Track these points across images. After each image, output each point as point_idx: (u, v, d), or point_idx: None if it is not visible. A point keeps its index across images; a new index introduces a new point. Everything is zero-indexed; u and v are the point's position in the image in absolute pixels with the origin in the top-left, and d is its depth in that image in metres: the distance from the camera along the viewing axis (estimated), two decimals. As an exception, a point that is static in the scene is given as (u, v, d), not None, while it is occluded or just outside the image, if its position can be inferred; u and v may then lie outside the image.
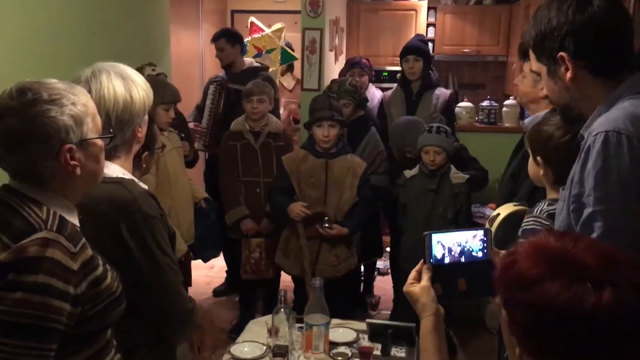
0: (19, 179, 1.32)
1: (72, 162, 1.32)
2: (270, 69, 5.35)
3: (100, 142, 1.40)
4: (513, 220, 2.10)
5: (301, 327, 2.35)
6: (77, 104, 1.33)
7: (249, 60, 4.52)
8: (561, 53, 1.38)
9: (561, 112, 1.56)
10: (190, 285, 3.89)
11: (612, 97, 1.38)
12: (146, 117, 1.73)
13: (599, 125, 1.33)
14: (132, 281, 1.53)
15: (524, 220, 1.87)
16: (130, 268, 1.55)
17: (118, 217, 1.56)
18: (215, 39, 4.37)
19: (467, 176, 3.41)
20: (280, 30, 5.51)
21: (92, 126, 1.37)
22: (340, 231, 3.31)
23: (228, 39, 4.31)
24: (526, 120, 2.41)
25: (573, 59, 1.38)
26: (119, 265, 1.47)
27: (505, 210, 2.06)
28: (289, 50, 5.32)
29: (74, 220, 1.37)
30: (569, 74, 1.40)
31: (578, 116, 1.47)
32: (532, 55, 1.49)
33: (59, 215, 1.30)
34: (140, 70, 3.53)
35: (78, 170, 1.33)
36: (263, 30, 5.43)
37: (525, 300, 0.93)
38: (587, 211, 1.32)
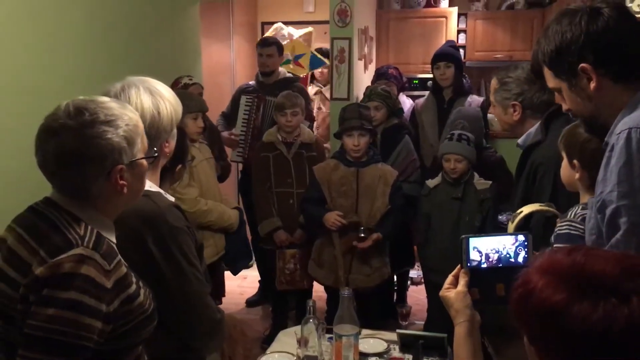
0: (64, 194, 1.34)
1: (121, 182, 1.35)
2: (301, 75, 5.41)
3: (145, 161, 1.43)
4: (536, 217, 2.07)
5: (331, 338, 2.34)
6: (130, 125, 1.36)
7: (282, 70, 4.56)
8: (582, 64, 1.38)
9: (585, 123, 1.54)
10: (224, 296, 3.92)
11: (634, 101, 1.37)
12: (174, 131, 1.75)
13: (622, 124, 1.33)
14: (159, 292, 1.54)
15: (558, 225, 1.84)
16: (157, 279, 1.57)
17: (144, 230, 1.58)
18: (268, 44, 4.41)
19: (490, 182, 3.37)
20: (308, 34, 5.54)
21: (141, 146, 1.40)
22: (377, 237, 3.29)
23: (278, 48, 4.45)
24: (520, 141, 2.38)
25: (595, 69, 1.38)
26: (146, 276, 1.48)
27: (528, 208, 2.03)
28: (319, 55, 5.33)
29: (112, 237, 1.40)
30: (592, 84, 1.40)
31: (602, 125, 1.47)
32: (548, 73, 1.48)
33: (96, 232, 1.33)
34: (177, 80, 3.67)
35: (125, 190, 1.36)
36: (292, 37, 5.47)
37: (556, 330, 0.90)
38: (611, 208, 1.31)
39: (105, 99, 1.39)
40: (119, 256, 1.36)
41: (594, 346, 0.87)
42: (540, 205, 2.03)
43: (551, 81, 1.49)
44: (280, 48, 4.48)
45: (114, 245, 1.38)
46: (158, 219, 1.60)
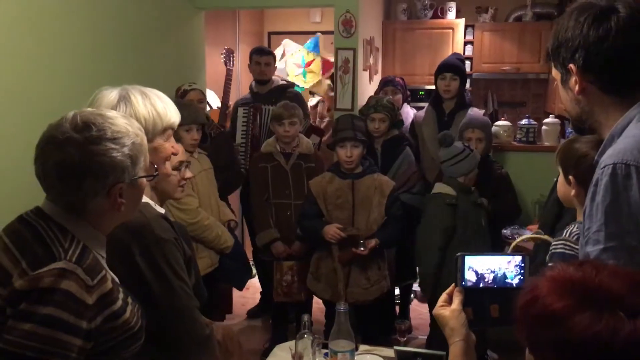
0: (58, 205, 1.31)
1: (120, 200, 1.33)
2: (316, 80, 5.51)
3: (145, 180, 1.41)
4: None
5: (327, 353, 2.30)
6: (136, 143, 1.34)
7: (275, 78, 4.61)
8: (570, 65, 1.32)
9: (572, 123, 1.49)
10: (230, 312, 3.88)
11: (625, 120, 1.30)
12: (151, 145, 1.67)
13: (608, 157, 1.26)
14: (146, 306, 1.50)
15: (553, 243, 1.79)
16: (143, 293, 1.54)
17: (130, 241, 1.55)
18: (266, 53, 4.48)
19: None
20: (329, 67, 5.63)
21: (143, 165, 1.38)
22: (375, 243, 3.23)
23: (274, 58, 4.55)
24: None
25: (581, 73, 1.32)
26: (132, 290, 1.45)
27: (518, 240, 2.01)
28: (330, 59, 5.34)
29: (101, 251, 1.37)
30: (577, 87, 1.33)
31: (589, 129, 1.42)
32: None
33: (82, 245, 1.30)
34: (178, 88, 3.70)
35: (122, 208, 1.34)
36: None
37: (555, 338, 0.87)
38: (598, 248, 1.24)
39: (113, 113, 1.37)
40: (105, 271, 1.32)
41: (592, 358, 0.84)
42: (534, 234, 2.00)
43: (553, 70, 1.44)
44: (274, 57, 4.57)
45: (102, 260, 1.35)
46: (144, 230, 1.57)
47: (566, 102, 1.42)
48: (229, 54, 4.53)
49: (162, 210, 1.69)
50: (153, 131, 1.64)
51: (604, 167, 1.25)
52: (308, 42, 5.93)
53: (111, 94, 1.62)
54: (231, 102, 4.64)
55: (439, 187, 3.27)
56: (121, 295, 1.34)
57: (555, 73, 1.41)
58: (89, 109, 1.37)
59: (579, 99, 1.36)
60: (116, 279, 1.37)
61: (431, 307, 3.55)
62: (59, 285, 1.20)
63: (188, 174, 1.82)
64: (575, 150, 1.79)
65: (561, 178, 1.86)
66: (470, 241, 3.15)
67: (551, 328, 0.87)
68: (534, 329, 0.91)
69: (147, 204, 1.64)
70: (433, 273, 3.18)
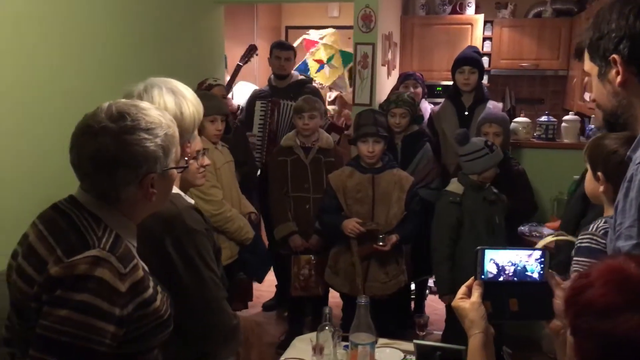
0: (91, 195, 1.34)
1: (151, 190, 1.35)
2: (338, 75, 5.51)
3: (176, 171, 1.43)
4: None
5: (347, 346, 2.31)
6: (169, 134, 1.36)
7: (294, 73, 4.63)
8: (614, 55, 1.30)
9: (604, 119, 1.47)
10: (251, 300, 3.90)
11: None
12: (196, 132, 1.74)
13: None
14: (176, 296, 1.52)
15: (579, 237, 1.79)
16: (174, 283, 1.56)
17: (162, 231, 1.57)
18: (286, 48, 4.50)
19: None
20: (333, 35, 5.60)
21: (175, 156, 1.40)
22: (396, 239, 3.24)
23: (294, 53, 4.56)
24: None
25: (625, 63, 1.30)
26: (163, 280, 1.47)
27: (542, 242, 1.99)
28: (349, 51, 5.35)
29: (133, 240, 1.39)
30: (619, 79, 1.31)
31: (622, 125, 1.39)
32: (586, 55, 1.42)
33: (114, 233, 1.32)
34: (202, 81, 3.73)
35: (154, 198, 1.36)
36: (317, 42, 5.50)
37: (600, 329, 0.87)
38: (630, 243, 1.23)
39: (147, 105, 1.39)
40: (137, 259, 1.34)
41: (633, 357, 0.84)
42: (555, 236, 2.00)
43: (587, 64, 1.41)
44: (295, 52, 4.58)
45: (133, 249, 1.37)
46: (176, 221, 1.59)
47: (601, 96, 1.39)
48: (249, 51, 4.54)
49: (192, 202, 1.71)
50: (198, 121, 1.69)
51: (639, 163, 1.24)
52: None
53: (162, 92, 1.63)
54: (230, 96, 4.65)
55: (450, 184, 3.31)
56: (151, 284, 1.36)
57: (591, 67, 1.39)
58: (124, 100, 1.39)
59: (618, 91, 1.33)
60: (146, 268, 1.39)
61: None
62: (93, 272, 1.22)
63: (206, 160, 1.83)
64: (605, 146, 1.78)
65: (589, 174, 1.86)
66: (482, 237, 3.15)
67: (597, 319, 0.88)
68: (580, 315, 0.92)
69: (178, 195, 1.67)
70: (444, 269, 3.23)
